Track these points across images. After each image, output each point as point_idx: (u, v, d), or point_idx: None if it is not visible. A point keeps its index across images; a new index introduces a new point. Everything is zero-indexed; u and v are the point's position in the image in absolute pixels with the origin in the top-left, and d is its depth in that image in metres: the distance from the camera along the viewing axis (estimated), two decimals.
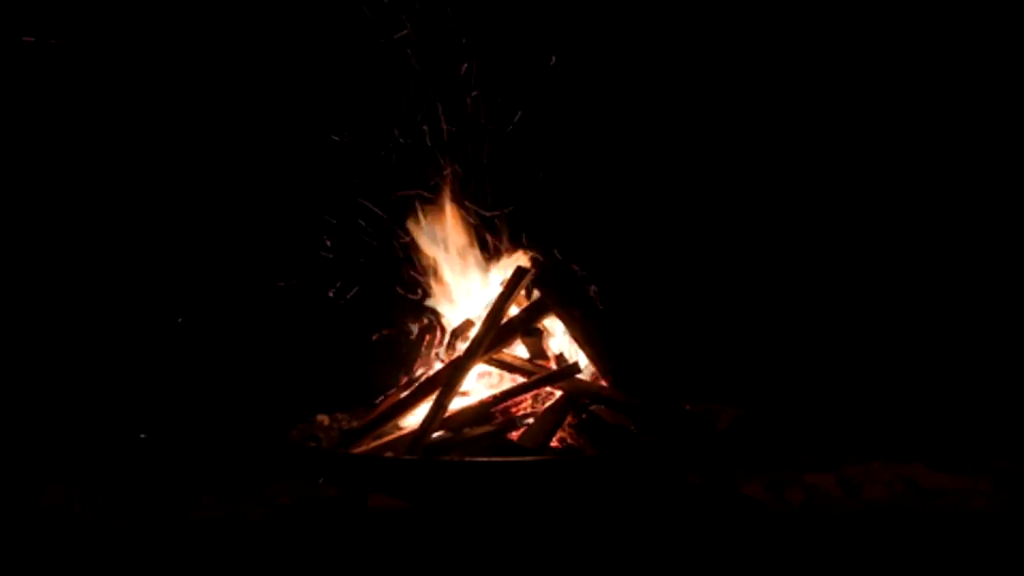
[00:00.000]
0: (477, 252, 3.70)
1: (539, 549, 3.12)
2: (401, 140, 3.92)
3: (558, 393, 3.35)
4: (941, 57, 4.99)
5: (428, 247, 3.69)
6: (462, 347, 3.49)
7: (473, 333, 3.47)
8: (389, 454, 3.29)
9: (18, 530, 3.67)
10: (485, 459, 3.14)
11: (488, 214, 3.72)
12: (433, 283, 3.70)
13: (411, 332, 3.69)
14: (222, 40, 4.56)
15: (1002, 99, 5.00)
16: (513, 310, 3.51)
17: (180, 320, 4.42)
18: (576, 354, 3.47)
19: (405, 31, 3.89)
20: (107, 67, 4.56)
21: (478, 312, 3.58)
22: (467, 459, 3.16)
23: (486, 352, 3.40)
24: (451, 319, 3.67)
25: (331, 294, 3.96)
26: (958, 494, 3.69)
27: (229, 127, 4.58)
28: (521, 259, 3.62)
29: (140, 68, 4.61)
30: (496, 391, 3.42)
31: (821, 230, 5.14)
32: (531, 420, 3.30)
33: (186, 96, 4.66)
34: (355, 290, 3.98)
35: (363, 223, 3.96)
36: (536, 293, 3.52)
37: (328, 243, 4.03)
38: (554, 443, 3.23)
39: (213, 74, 4.61)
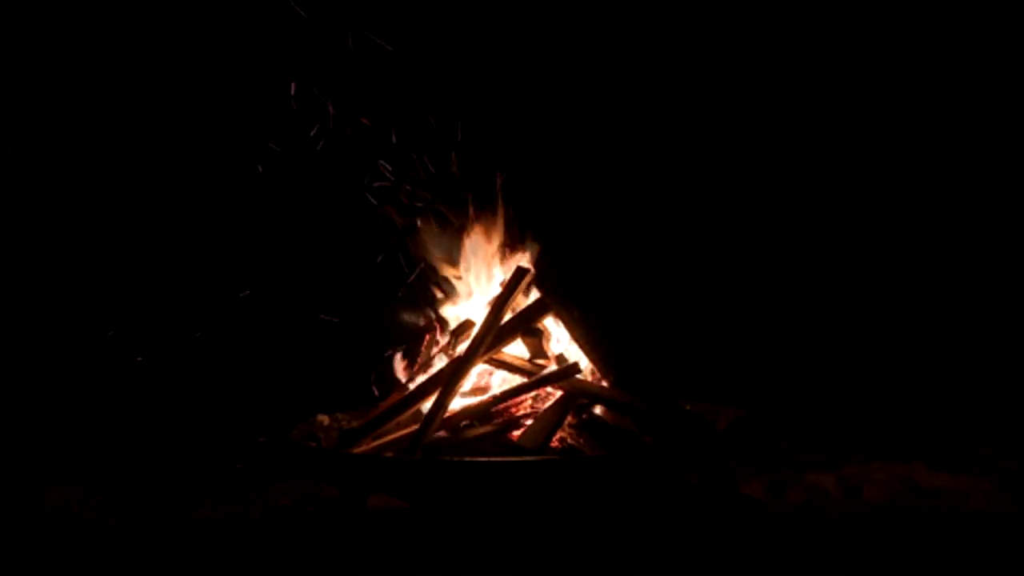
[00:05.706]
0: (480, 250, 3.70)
1: (539, 549, 3.12)
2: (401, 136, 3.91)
3: (558, 393, 3.35)
4: (940, 56, 5.00)
5: (435, 245, 3.69)
6: (462, 347, 3.49)
7: (473, 333, 3.47)
8: (389, 454, 3.29)
9: (18, 530, 3.66)
10: (485, 459, 3.15)
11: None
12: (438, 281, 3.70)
13: (414, 328, 3.69)
14: (218, 38, 4.56)
15: (1002, 99, 5.01)
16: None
17: (183, 320, 4.42)
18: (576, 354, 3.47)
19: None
20: (108, 67, 4.57)
21: (478, 312, 3.58)
22: (467, 459, 3.16)
23: (486, 352, 3.40)
24: (451, 319, 3.67)
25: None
26: (958, 494, 3.68)
27: (229, 125, 4.58)
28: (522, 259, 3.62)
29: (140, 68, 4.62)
30: (496, 391, 3.42)
31: (821, 231, 5.14)
32: (531, 420, 3.31)
33: (187, 96, 4.67)
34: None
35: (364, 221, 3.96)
36: (536, 293, 3.52)
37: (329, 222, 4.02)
38: (554, 443, 3.22)
39: (212, 73, 4.61)
